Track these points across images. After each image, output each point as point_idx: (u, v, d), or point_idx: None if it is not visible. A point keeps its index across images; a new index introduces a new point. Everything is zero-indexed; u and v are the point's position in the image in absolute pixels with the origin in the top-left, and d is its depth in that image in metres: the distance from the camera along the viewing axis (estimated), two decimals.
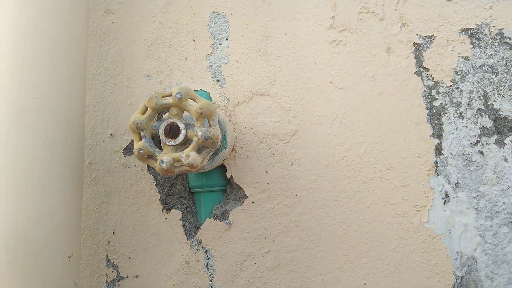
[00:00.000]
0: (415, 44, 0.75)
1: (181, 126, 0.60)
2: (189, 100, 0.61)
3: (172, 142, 0.60)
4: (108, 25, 0.83)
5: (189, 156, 0.58)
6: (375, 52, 0.76)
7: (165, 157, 0.59)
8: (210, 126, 0.61)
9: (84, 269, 0.78)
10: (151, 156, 0.61)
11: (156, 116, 0.77)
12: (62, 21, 0.65)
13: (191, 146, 0.59)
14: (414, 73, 0.75)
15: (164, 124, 0.61)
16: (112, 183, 0.79)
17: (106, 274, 0.78)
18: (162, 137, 0.60)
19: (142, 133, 0.60)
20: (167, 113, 0.62)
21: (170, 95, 0.60)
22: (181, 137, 0.60)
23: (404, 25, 0.76)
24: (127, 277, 0.78)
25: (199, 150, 0.60)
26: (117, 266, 0.78)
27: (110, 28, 0.82)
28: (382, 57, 0.76)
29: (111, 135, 0.80)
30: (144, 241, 0.78)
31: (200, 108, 0.59)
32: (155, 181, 0.78)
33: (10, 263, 0.60)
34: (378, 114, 0.75)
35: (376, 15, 0.76)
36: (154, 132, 0.61)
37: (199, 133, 0.59)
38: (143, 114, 0.61)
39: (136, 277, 0.78)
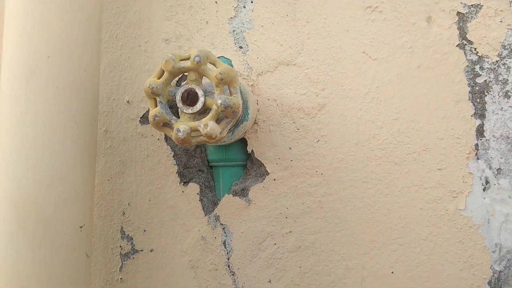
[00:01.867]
0: (458, 13, 0.67)
1: (200, 92, 0.55)
2: (208, 64, 0.56)
3: (190, 110, 0.56)
4: None
5: (207, 125, 0.53)
6: (414, 21, 0.69)
7: (181, 126, 0.54)
8: (231, 94, 0.56)
9: (98, 240, 0.75)
10: (167, 124, 0.56)
11: (175, 82, 0.73)
12: None
13: (209, 115, 0.54)
14: (457, 45, 0.67)
15: (181, 90, 0.56)
16: (128, 153, 0.75)
17: (120, 246, 0.75)
18: (179, 104, 0.56)
19: (158, 99, 0.56)
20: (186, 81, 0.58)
21: (188, 58, 0.55)
22: (199, 105, 0.55)
23: None
24: (142, 250, 0.75)
25: (218, 120, 0.56)
26: (132, 238, 0.75)
27: None
28: (421, 26, 0.68)
29: (128, 102, 0.76)
30: (160, 214, 0.74)
31: (220, 73, 0.54)
32: (173, 153, 0.74)
33: (20, 230, 0.58)
34: (414, 90, 0.68)
35: None
36: (171, 98, 0.57)
37: (219, 101, 0.54)
38: (159, 78, 0.56)
39: (151, 251, 0.75)
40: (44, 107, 0.57)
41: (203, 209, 0.73)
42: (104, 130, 0.76)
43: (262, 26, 0.73)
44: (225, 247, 0.72)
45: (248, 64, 0.73)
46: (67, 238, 0.58)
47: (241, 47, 0.73)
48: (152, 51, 0.76)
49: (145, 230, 0.75)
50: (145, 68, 0.76)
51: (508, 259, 0.65)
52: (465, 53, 0.67)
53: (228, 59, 0.73)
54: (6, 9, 0.60)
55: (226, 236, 0.72)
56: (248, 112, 0.66)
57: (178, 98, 0.56)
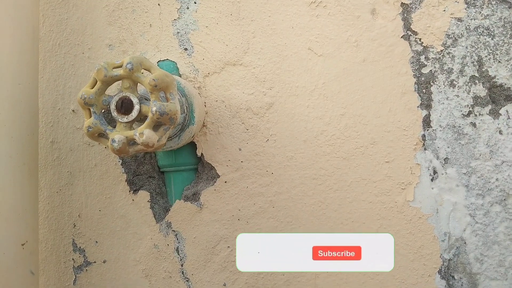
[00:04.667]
0: (402, 4, 0.67)
1: (134, 100, 0.54)
2: (143, 71, 0.55)
3: (125, 119, 0.54)
4: None
5: (143, 134, 0.52)
6: (359, 14, 0.68)
7: (116, 136, 0.53)
8: (167, 100, 0.55)
9: (50, 254, 0.74)
10: (102, 135, 0.55)
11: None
12: None
13: (145, 123, 0.53)
14: (401, 37, 0.67)
15: (115, 98, 0.54)
16: (76, 163, 0.74)
17: (73, 259, 0.74)
18: (114, 113, 0.54)
19: (91, 109, 0.55)
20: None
21: (121, 66, 0.54)
22: (134, 113, 0.54)
23: None
24: (95, 262, 0.74)
25: (155, 128, 0.54)
26: (84, 250, 0.74)
27: None
28: (366, 19, 0.68)
29: (73, 111, 0.74)
30: (111, 225, 0.73)
31: (154, 79, 0.53)
32: (121, 161, 0.73)
33: None
34: (360, 84, 0.68)
35: None
36: (106, 108, 0.55)
37: (154, 108, 0.53)
38: (92, 87, 0.55)
39: (104, 262, 0.73)
40: None
41: (154, 216, 0.72)
42: (50, 141, 0.74)
43: (207, 26, 0.71)
44: (178, 254, 0.71)
45: (194, 66, 0.71)
46: (8, 257, 0.57)
47: (186, 49, 0.72)
48: (96, 58, 0.74)
49: (97, 241, 0.73)
50: (89, 75, 0.74)
51: (457, 247, 0.66)
52: (410, 44, 0.68)
53: (174, 62, 0.72)
54: None
55: (179, 242, 0.71)
56: (194, 115, 0.65)
57: (112, 107, 0.55)
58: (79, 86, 0.74)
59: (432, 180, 0.67)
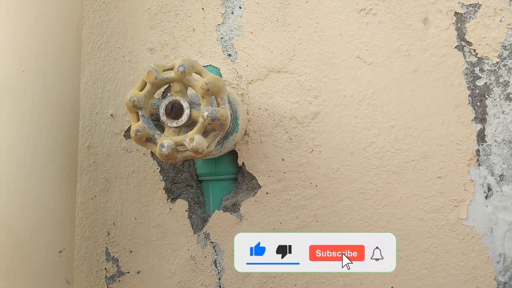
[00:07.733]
0: (456, 13, 0.65)
1: (185, 104, 0.52)
2: (194, 74, 0.52)
3: (174, 124, 0.52)
4: None
5: (193, 139, 0.50)
6: (410, 22, 0.66)
7: (166, 141, 0.50)
8: (218, 105, 0.52)
9: (82, 263, 0.71)
10: (150, 139, 0.53)
11: (162, 94, 0.70)
12: None
13: (196, 128, 0.51)
14: (455, 47, 0.65)
15: (165, 102, 0.52)
16: (112, 169, 0.72)
17: (105, 268, 0.71)
18: (163, 118, 0.52)
19: (140, 113, 0.52)
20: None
21: (172, 68, 0.52)
22: (184, 118, 0.52)
23: None
24: (128, 272, 0.71)
25: (205, 133, 0.52)
26: (118, 260, 0.71)
27: None
28: (418, 28, 0.66)
29: (111, 115, 0.72)
30: (146, 234, 0.70)
31: (206, 83, 0.50)
32: (159, 168, 0.70)
33: None
34: (412, 95, 0.65)
35: None
36: (154, 112, 0.53)
37: (205, 113, 0.50)
38: (141, 90, 0.52)
39: (137, 272, 0.71)
40: (18, 125, 0.53)
41: (192, 226, 0.69)
42: (86, 146, 0.72)
43: (252, 32, 0.69)
44: (216, 267, 0.68)
45: (238, 73, 0.69)
46: (45, 264, 0.54)
47: (230, 55, 0.70)
48: (136, 61, 0.72)
49: (131, 251, 0.71)
50: (129, 79, 0.72)
51: None
52: (464, 55, 0.65)
53: (217, 67, 0.70)
54: None
55: (217, 255, 0.68)
56: (238, 123, 0.62)
57: (161, 111, 0.52)
58: (118, 90, 0.72)
59: (486, 197, 0.64)
